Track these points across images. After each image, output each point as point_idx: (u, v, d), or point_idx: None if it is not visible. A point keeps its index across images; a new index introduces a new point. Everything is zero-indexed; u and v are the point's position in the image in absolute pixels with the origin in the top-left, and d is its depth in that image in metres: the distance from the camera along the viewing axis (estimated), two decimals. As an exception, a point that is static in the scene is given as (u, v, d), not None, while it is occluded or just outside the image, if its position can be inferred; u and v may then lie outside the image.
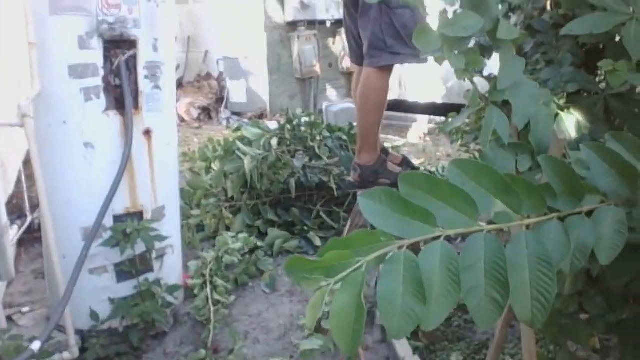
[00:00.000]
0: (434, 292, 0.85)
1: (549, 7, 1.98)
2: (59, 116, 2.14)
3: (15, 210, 3.31)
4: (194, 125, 7.53)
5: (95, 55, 2.12)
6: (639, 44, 1.28)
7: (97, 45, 2.11)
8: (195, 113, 7.94)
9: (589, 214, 0.98)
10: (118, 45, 2.17)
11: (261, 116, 7.62)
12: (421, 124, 6.09)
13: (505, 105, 1.33)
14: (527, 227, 0.95)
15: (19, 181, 3.30)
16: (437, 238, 0.90)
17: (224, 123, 7.70)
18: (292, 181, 3.43)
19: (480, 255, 0.89)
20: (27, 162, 3.76)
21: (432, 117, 6.04)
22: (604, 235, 0.94)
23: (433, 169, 4.01)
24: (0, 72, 2.69)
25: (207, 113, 8.07)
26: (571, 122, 1.53)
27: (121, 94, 2.19)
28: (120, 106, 2.20)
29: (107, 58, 2.15)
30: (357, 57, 2.47)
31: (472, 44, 1.49)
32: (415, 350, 2.17)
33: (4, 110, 2.46)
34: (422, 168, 3.87)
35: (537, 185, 1.00)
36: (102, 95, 2.16)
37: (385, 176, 2.32)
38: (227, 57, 7.81)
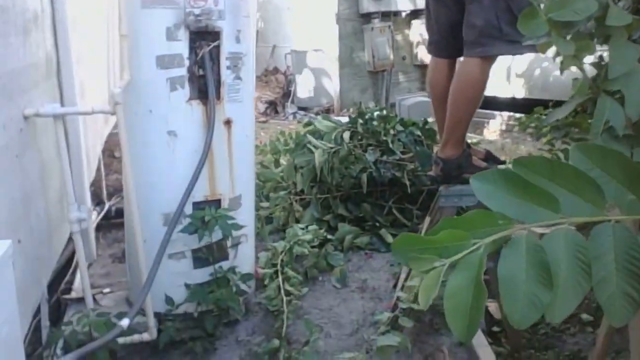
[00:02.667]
0: (561, 281, 0.80)
1: None
2: (145, 105, 2.19)
3: (93, 197, 3.43)
4: (260, 120, 7.59)
5: (181, 46, 2.16)
6: None
7: (183, 36, 2.15)
8: (262, 107, 8.01)
9: None
10: (203, 37, 2.20)
11: (328, 111, 7.61)
12: (499, 121, 5.85)
13: (614, 96, 1.24)
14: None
15: (97, 169, 3.42)
16: (560, 224, 0.85)
17: (290, 118, 7.74)
18: (364, 176, 3.38)
19: (609, 247, 0.83)
20: (104, 151, 3.91)
21: (511, 113, 5.78)
22: None
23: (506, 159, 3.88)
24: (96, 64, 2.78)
25: (273, 107, 8.14)
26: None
27: (204, 84, 2.22)
28: (202, 96, 2.23)
29: (192, 49, 2.19)
30: (438, 49, 2.39)
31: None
32: (498, 356, 2.08)
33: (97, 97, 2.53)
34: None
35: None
36: (187, 85, 2.20)
37: (469, 170, 2.22)
38: (295, 50, 7.85)
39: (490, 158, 2.39)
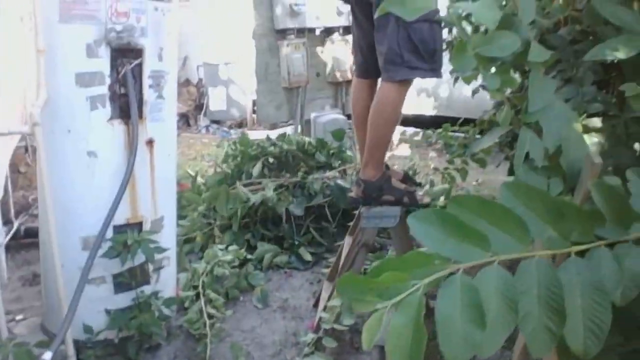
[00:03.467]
0: (490, 318, 0.85)
1: (563, 21, 1.97)
2: (63, 124, 2.11)
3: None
4: (172, 133, 7.41)
5: (102, 63, 2.11)
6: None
7: (104, 53, 2.10)
8: (172, 120, 7.82)
9: (637, 242, 0.98)
10: (125, 54, 2.15)
11: (240, 124, 7.58)
12: (408, 136, 6.09)
13: (535, 126, 1.33)
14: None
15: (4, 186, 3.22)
16: (491, 262, 0.91)
17: (203, 131, 7.63)
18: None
19: (534, 282, 0.90)
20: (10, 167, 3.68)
21: (420, 130, 6.05)
22: (655, 264, 0.94)
23: (421, 181, 4.05)
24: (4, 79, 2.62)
25: (185, 120, 7.99)
26: (593, 144, 1.55)
27: (126, 103, 2.17)
28: (124, 115, 2.19)
29: (114, 67, 2.14)
30: (361, 70, 2.48)
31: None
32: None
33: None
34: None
35: (587, 211, 1.01)
36: (108, 104, 2.14)
37: (389, 193, 2.31)
38: (207, 63, 7.75)
39: (408, 180, 2.48)
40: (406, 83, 2.26)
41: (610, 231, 0.99)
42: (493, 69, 1.26)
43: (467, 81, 1.33)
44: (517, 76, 1.31)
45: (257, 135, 6.60)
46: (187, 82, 8.42)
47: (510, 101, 1.47)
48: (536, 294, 0.89)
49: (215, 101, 7.74)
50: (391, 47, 2.16)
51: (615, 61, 1.66)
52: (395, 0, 1.17)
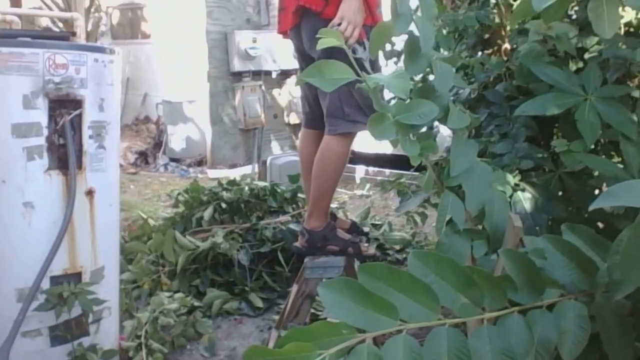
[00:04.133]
0: (397, 388, 0.86)
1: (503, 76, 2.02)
2: (-2, 175, 2.07)
3: None
4: (130, 171, 7.33)
5: (39, 114, 2.08)
6: (594, 129, 1.35)
7: (42, 104, 2.08)
8: (132, 158, 7.76)
9: (550, 307, 1.00)
10: (63, 105, 2.14)
11: (200, 163, 7.54)
12: (368, 176, 6.10)
13: (461, 187, 1.36)
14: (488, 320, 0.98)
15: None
16: (400, 331, 0.92)
17: (162, 169, 7.56)
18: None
19: (443, 351, 0.91)
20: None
21: (380, 169, 6.06)
22: (567, 330, 0.96)
23: (380, 222, 4.07)
24: None
25: (144, 158, 7.92)
26: (527, 199, 1.58)
27: (64, 154, 2.15)
28: (63, 166, 2.15)
29: (52, 117, 2.12)
30: (308, 120, 2.51)
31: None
32: None
33: None
34: (369, 223, 3.89)
35: (498, 278, 1.03)
36: (45, 154, 2.12)
37: (334, 243, 2.32)
38: (167, 101, 7.73)
39: (354, 230, 2.50)
40: (348, 136, 2.29)
41: (524, 297, 1.01)
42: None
43: (394, 144, 1.35)
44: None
45: (217, 174, 6.57)
46: (147, 119, 8.37)
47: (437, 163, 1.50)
48: (446, 362, 0.90)
49: (175, 139, 7.69)
50: (332, 100, 2.21)
51: (553, 116, 1.70)
52: (313, 71, 1.19)
